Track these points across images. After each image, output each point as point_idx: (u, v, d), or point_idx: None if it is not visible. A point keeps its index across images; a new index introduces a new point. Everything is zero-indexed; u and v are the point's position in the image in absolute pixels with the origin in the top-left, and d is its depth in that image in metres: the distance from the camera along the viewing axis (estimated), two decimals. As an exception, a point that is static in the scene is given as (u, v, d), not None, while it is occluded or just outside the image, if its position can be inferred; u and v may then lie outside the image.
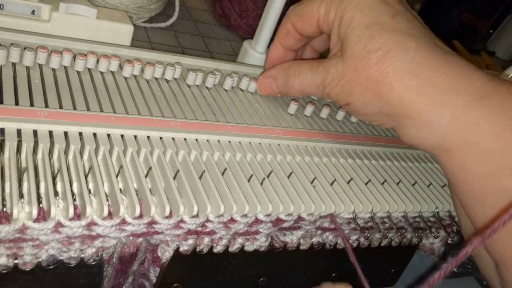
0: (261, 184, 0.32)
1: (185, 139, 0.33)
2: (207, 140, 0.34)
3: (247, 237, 0.33)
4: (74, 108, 0.31)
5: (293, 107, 0.41)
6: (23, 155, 0.27)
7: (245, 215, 0.31)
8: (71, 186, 0.27)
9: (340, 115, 0.43)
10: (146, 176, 0.29)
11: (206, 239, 0.32)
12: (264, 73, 0.41)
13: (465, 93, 0.31)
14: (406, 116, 0.32)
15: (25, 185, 0.26)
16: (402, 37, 0.32)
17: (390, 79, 0.31)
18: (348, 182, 0.36)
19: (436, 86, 0.31)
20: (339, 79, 0.34)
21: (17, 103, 0.30)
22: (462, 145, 0.31)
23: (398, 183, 0.38)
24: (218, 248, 0.33)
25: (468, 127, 0.30)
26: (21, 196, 0.25)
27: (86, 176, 0.28)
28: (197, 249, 0.32)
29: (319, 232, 0.37)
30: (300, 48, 0.42)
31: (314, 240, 0.37)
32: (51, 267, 0.28)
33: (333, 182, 0.35)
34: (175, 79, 0.39)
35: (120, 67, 0.37)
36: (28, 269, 0.27)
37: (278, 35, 0.40)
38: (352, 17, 0.33)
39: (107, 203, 0.27)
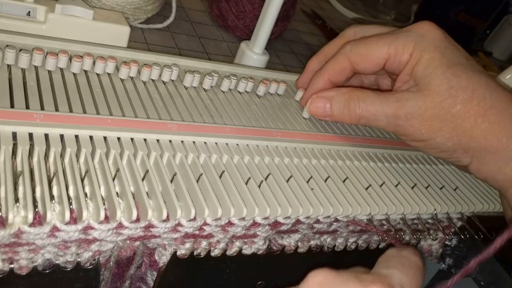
0: (259, 186, 0.32)
1: (182, 141, 0.33)
2: (205, 143, 0.33)
3: (245, 240, 0.33)
4: (70, 111, 0.31)
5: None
6: (18, 159, 0.27)
7: (243, 218, 0.30)
8: (67, 189, 0.26)
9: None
10: (143, 179, 0.29)
11: (204, 243, 0.32)
12: (318, 93, 0.39)
13: None
14: (487, 151, 0.34)
15: (20, 189, 0.26)
16: (484, 78, 0.35)
17: (476, 116, 0.34)
18: (346, 184, 0.36)
19: None
20: (419, 113, 0.35)
21: (12, 106, 0.29)
22: None
23: (396, 185, 0.38)
24: (215, 252, 0.32)
25: None
26: (16, 200, 0.25)
27: (82, 180, 0.27)
28: (195, 253, 0.32)
29: (316, 235, 0.37)
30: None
31: (312, 243, 0.37)
32: (47, 271, 0.27)
33: (330, 184, 0.35)
34: (172, 80, 0.39)
35: (117, 68, 0.37)
36: (24, 274, 0.27)
37: (330, 70, 0.39)
38: (433, 57, 0.35)
39: (104, 206, 0.27)
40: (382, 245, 0.41)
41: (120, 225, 0.27)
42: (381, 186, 0.37)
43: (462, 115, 0.34)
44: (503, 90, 0.35)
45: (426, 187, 0.40)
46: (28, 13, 0.41)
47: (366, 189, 0.36)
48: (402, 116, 0.35)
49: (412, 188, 0.39)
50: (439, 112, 0.35)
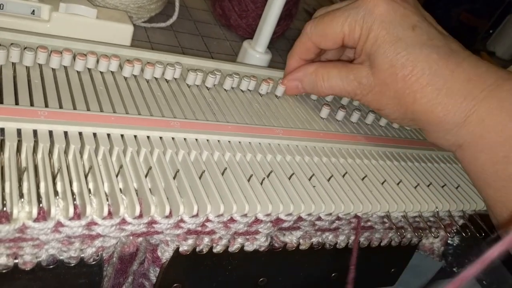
0: (261, 184, 0.32)
1: (185, 139, 0.33)
2: (207, 140, 0.34)
3: (247, 237, 0.33)
4: (74, 108, 0.31)
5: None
6: (23, 155, 0.27)
7: (245, 215, 0.31)
8: (71, 185, 0.27)
9: (340, 115, 0.43)
10: (146, 176, 0.29)
11: (206, 239, 0.32)
12: (288, 76, 0.43)
13: (475, 95, 0.35)
14: (427, 123, 0.37)
15: (25, 184, 0.26)
16: (425, 51, 0.36)
17: (414, 93, 0.36)
18: (347, 182, 0.36)
19: (451, 94, 0.35)
20: (370, 89, 0.38)
21: (17, 103, 0.30)
22: (472, 141, 0.35)
23: (398, 183, 0.38)
24: (218, 248, 0.33)
25: (476, 125, 0.35)
26: (21, 195, 0.25)
27: (86, 176, 0.28)
28: (197, 249, 0.32)
29: (318, 232, 0.37)
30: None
31: (314, 240, 0.37)
32: (51, 266, 0.28)
33: (332, 182, 0.35)
34: (175, 79, 0.39)
35: (120, 67, 0.37)
36: (28, 269, 0.27)
37: (297, 50, 0.43)
38: (377, 35, 0.37)
39: (107, 202, 0.27)
40: (384, 242, 0.42)
41: (123, 221, 0.27)
42: (382, 183, 0.38)
43: (403, 91, 0.36)
44: (446, 62, 0.36)
45: (428, 185, 0.40)
46: (33, 12, 0.41)
47: (368, 187, 0.36)
48: (359, 93, 0.39)
49: (415, 187, 0.39)
50: (384, 88, 0.37)
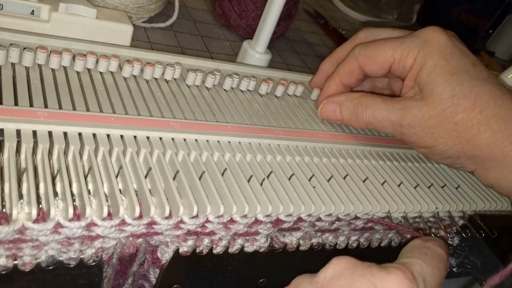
0: (261, 184, 0.32)
1: (184, 139, 0.33)
2: (207, 141, 0.34)
3: (247, 238, 0.33)
4: (74, 109, 0.31)
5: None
6: (22, 156, 0.27)
7: (245, 216, 0.31)
8: (70, 186, 0.27)
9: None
10: (145, 177, 0.29)
11: (206, 240, 0.32)
12: (329, 98, 0.40)
13: None
14: (491, 159, 0.34)
15: (24, 185, 0.26)
16: (488, 85, 0.35)
17: (479, 125, 0.34)
18: (347, 182, 0.36)
19: None
20: (422, 121, 0.35)
21: (16, 104, 0.30)
22: None
23: (399, 185, 0.38)
24: (217, 249, 0.33)
25: None
26: (20, 196, 0.25)
27: (85, 177, 0.28)
28: (197, 250, 0.32)
29: (318, 233, 0.37)
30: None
31: (314, 241, 0.37)
32: (51, 267, 0.28)
33: (332, 182, 0.35)
34: (175, 79, 0.39)
35: (120, 67, 0.37)
36: (28, 270, 0.27)
37: (340, 72, 0.40)
38: (437, 64, 0.35)
39: (107, 203, 0.27)
40: (384, 243, 0.41)
41: (123, 222, 0.27)
42: (383, 184, 0.38)
43: (465, 123, 0.34)
44: (508, 97, 0.35)
45: (429, 187, 0.40)
46: (32, 12, 0.41)
47: (368, 187, 0.36)
48: (406, 124, 0.36)
49: (415, 187, 0.39)
50: (441, 120, 0.35)
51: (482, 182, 0.37)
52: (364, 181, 0.37)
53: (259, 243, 0.34)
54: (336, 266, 0.25)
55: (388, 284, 0.24)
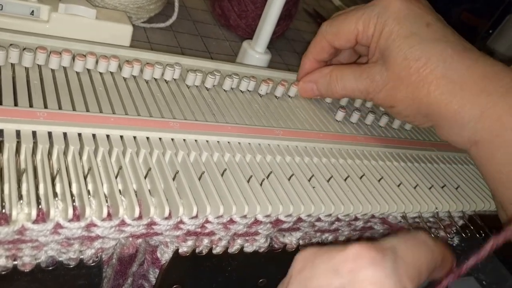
0: (261, 185, 0.32)
1: (184, 140, 0.33)
2: (207, 141, 0.34)
3: (247, 238, 0.33)
4: (73, 109, 0.31)
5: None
6: (22, 156, 0.27)
7: (245, 216, 0.31)
8: (70, 187, 0.27)
9: (340, 116, 0.43)
10: (145, 177, 0.29)
11: (206, 240, 0.32)
12: (304, 78, 0.43)
13: (491, 91, 0.35)
14: (441, 117, 0.36)
15: (24, 186, 0.26)
16: (440, 45, 0.36)
17: (429, 85, 0.36)
18: (347, 183, 0.36)
19: (467, 88, 0.35)
20: (383, 85, 0.38)
21: (16, 104, 0.30)
22: (488, 138, 0.35)
23: (399, 185, 0.38)
24: (217, 249, 0.33)
25: (493, 122, 0.34)
26: (20, 197, 0.25)
27: (85, 177, 0.28)
28: (197, 251, 0.32)
29: (318, 233, 0.37)
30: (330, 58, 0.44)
31: (314, 241, 0.37)
32: (50, 268, 0.28)
33: (332, 183, 0.35)
34: (175, 79, 0.39)
35: (119, 67, 0.37)
36: (27, 270, 0.27)
37: (312, 50, 0.43)
38: (391, 30, 0.37)
39: (106, 204, 0.27)
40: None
41: (123, 223, 0.27)
42: (381, 183, 0.38)
43: (416, 84, 0.36)
44: (461, 57, 0.36)
45: (430, 188, 0.40)
46: (32, 12, 0.41)
47: (368, 187, 0.36)
48: (372, 91, 0.39)
49: (415, 187, 0.39)
50: (397, 83, 0.37)
51: (440, 137, 0.39)
52: (362, 179, 0.37)
53: (259, 243, 0.34)
54: (299, 260, 0.25)
55: (348, 259, 0.23)
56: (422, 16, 0.37)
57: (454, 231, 0.42)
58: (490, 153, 0.35)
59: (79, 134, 0.30)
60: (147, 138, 0.32)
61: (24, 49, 0.33)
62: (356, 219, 0.36)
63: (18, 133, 0.28)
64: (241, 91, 0.42)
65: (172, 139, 0.32)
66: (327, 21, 0.42)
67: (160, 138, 0.32)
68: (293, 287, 0.25)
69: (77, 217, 0.26)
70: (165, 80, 0.38)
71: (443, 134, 0.38)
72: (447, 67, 0.35)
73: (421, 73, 0.36)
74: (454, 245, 0.49)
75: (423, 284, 0.26)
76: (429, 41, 0.36)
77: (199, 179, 0.30)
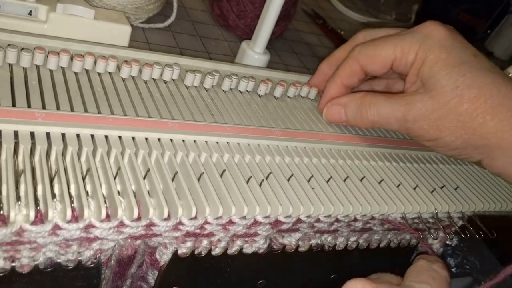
0: (260, 185, 0.32)
1: (183, 140, 0.33)
2: (206, 142, 0.33)
3: (246, 239, 0.33)
4: (72, 110, 0.31)
5: None
6: (20, 157, 0.27)
7: (244, 217, 0.30)
8: (68, 188, 0.27)
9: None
10: (144, 178, 0.29)
11: (205, 242, 0.32)
12: (333, 100, 0.41)
13: None
14: (498, 147, 0.34)
15: (22, 187, 0.26)
16: (491, 75, 0.35)
17: (484, 114, 0.34)
18: (346, 183, 0.36)
19: None
20: (426, 114, 0.35)
21: (14, 105, 0.29)
22: None
23: (398, 186, 0.38)
24: (216, 251, 0.32)
25: None
26: (18, 198, 0.25)
27: (83, 178, 0.27)
28: (196, 252, 0.32)
29: (317, 234, 0.37)
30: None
31: (313, 242, 0.37)
32: (49, 269, 0.28)
33: (331, 183, 0.35)
34: (173, 80, 0.39)
35: (118, 68, 0.37)
36: (26, 272, 0.27)
37: (342, 74, 0.40)
38: (438, 57, 0.35)
39: (105, 205, 0.27)
40: (383, 244, 0.41)
41: (121, 224, 0.27)
42: (381, 184, 0.37)
43: (470, 113, 0.34)
44: (511, 86, 0.35)
45: (432, 191, 0.40)
46: (30, 13, 0.41)
47: (367, 188, 0.36)
48: (411, 119, 0.36)
49: (415, 188, 0.39)
50: (445, 112, 0.35)
51: (489, 171, 0.37)
52: (362, 181, 0.37)
53: (258, 245, 0.34)
54: None
55: None
56: (468, 46, 0.36)
57: (453, 231, 0.42)
58: None
59: (78, 135, 0.29)
60: (146, 138, 0.31)
61: (22, 49, 0.33)
62: (355, 220, 0.36)
63: (16, 133, 0.28)
64: (240, 91, 0.42)
65: (171, 140, 0.32)
66: (361, 44, 0.40)
67: (159, 139, 0.32)
68: None
69: (75, 218, 0.26)
70: (164, 81, 0.38)
71: (496, 166, 0.36)
72: (502, 96, 0.34)
73: (474, 102, 0.34)
74: (454, 245, 0.49)
75: None
76: (480, 70, 0.35)
77: (198, 180, 0.30)
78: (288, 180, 0.33)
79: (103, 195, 0.27)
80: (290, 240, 0.36)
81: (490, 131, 0.34)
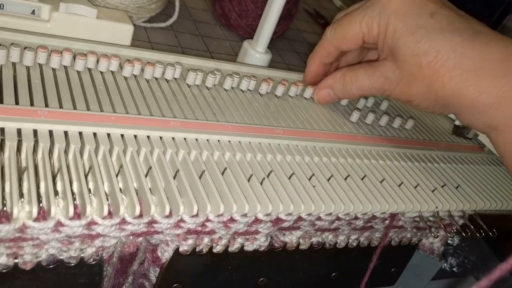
0: (261, 183, 0.32)
1: (185, 138, 0.33)
2: (207, 140, 0.34)
3: (247, 237, 0.33)
4: (74, 108, 0.31)
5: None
6: (23, 155, 0.27)
7: (245, 215, 0.31)
8: (71, 185, 0.27)
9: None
10: (146, 176, 0.29)
11: (206, 239, 0.32)
12: (319, 85, 0.44)
13: (507, 74, 0.34)
14: (459, 105, 0.36)
15: (25, 184, 0.26)
16: (447, 35, 0.35)
17: (442, 77, 0.35)
18: (347, 182, 0.36)
19: (481, 74, 0.34)
20: (397, 82, 0.38)
21: (17, 103, 0.30)
22: (507, 123, 0.34)
23: (399, 185, 0.38)
24: (217, 248, 0.33)
25: (511, 107, 0.34)
26: (21, 195, 0.25)
27: (86, 176, 0.28)
28: (197, 249, 0.32)
29: (318, 232, 0.37)
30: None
31: (314, 240, 0.37)
32: (51, 266, 0.28)
33: (332, 182, 0.35)
34: (175, 79, 0.39)
35: (120, 67, 0.37)
36: (28, 269, 0.27)
37: (319, 54, 0.44)
38: (395, 28, 0.37)
39: (107, 202, 0.27)
40: (384, 242, 0.41)
41: (123, 221, 0.27)
42: (382, 183, 0.38)
43: (430, 77, 0.36)
44: (471, 42, 0.35)
45: (433, 190, 0.40)
46: (33, 12, 0.41)
47: (368, 187, 0.36)
48: (387, 88, 0.39)
49: (416, 187, 0.39)
50: (411, 79, 0.37)
51: (462, 123, 0.40)
52: (363, 180, 0.37)
53: (259, 242, 0.34)
54: None
55: None
56: (425, 7, 0.37)
57: (454, 230, 0.42)
58: (510, 137, 0.35)
59: (80, 133, 0.30)
60: (148, 137, 0.32)
61: (25, 48, 0.33)
62: (356, 218, 0.37)
63: (19, 131, 0.28)
64: (241, 90, 0.42)
65: (173, 138, 0.32)
66: (330, 26, 0.42)
67: (160, 137, 0.32)
68: None
69: (78, 215, 0.26)
70: (166, 79, 0.38)
71: (463, 121, 0.38)
72: (458, 57, 0.35)
73: (432, 67, 0.35)
74: (455, 244, 0.50)
75: None
76: (436, 32, 0.36)
77: (200, 178, 0.30)
78: (289, 178, 0.34)
79: (105, 193, 0.27)
80: (291, 238, 0.36)
81: (449, 93, 0.36)
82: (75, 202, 0.26)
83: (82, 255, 0.28)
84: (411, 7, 0.37)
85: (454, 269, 0.53)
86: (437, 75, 0.35)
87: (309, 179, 0.34)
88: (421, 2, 0.37)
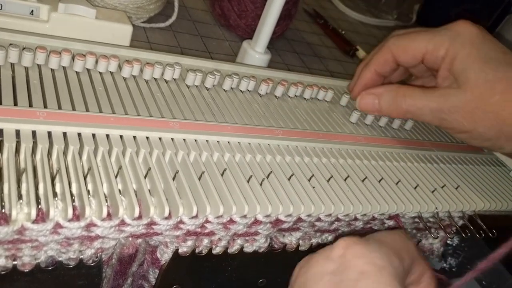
0: (261, 184, 0.32)
1: (184, 139, 0.33)
2: (206, 141, 0.34)
3: (247, 238, 0.33)
4: (73, 109, 0.31)
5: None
6: (21, 156, 0.27)
7: (245, 216, 0.30)
8: (70, 187, 0.27)
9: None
10: (145, 177, 0.29)
11: (205, 241, 0.32)
12: (367, 90, 0.42)
13: None
14: None
15: (23, 186, 0.26)
16: None
17: None
18: (347, 182, 0.36)
19: None
20: (461, 106, 0.37)
21: (15, 104, 0.30)
22: None
23: (397, 183, 0.38)
24: (217, 250, 0.33)
25: None
26: (19, 197, 0.25)
27: (85, 177, 0.28)
28: (196, 251, 0.32)
29: (318, 233, 0.37)
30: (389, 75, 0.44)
31: (313, 241, 0.37)
32: (50, 268, 0.28)
33: (332, 183, 0.35)
34: (174, 79, 0.39)
35: (119, 67, 0.37)
36: (27, 270, 0.27)
37: (375, 62, 0.42)
38: (469, 53, 0.37)
39: (106, 204, 0.27)
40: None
41: (123, 222, 0.27)
42: (381, 183, 0.37)
43: (500, 104, 0.36)
44: None
45: (432, 191, 0.40)
46: (31, 12, 0.41)
47: (368, 187, 0.36)
48: (446, 110, 0.38)
49: (415, 188, 0.39)
50: (478, 104, 0.37)
51: None
52: (363, 181, 0.37)
53: (259, 243, 0.34)
54: (298, 266, 0.28)
55: (338, 248, 0.27)
56: (496, 44, 0.38)
57: (454, 231, 0.42)
58: None
59: (79, 134, 0.30)
60: (147, 138, 0.32)
61: (24, 48, 0.33)
62: (356, 219, 0.36)
63: (17, 132, 0.28)
64: (241, 91, 0.42)
65: (172, 139, 0.32)
66: (394, 36, 0.41)
67: (160, 138, 0.32)
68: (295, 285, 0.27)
69: (76, 217, 0.26)
70: (165, 80, 0.38)
71: None
72: None
73: (504, 94, 0.36)
74: (454, 245, 0.49)
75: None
76: (509, 65, 0.37)
77: (199, 179, 0.30)
78: (289, 179, 0.33)
79: (104, 194, 0.27)
80: (290, 239, 0.36)
81: None
82: (74, 203, 0.26)
83: (81, 256, 0.28)
84: (485, 41, 0.38)
85: (454, 269, 0.53)
86: (508, 102, 0.36)
87: (309, 180, 0.34)
88: (494, 40, 0.38)
